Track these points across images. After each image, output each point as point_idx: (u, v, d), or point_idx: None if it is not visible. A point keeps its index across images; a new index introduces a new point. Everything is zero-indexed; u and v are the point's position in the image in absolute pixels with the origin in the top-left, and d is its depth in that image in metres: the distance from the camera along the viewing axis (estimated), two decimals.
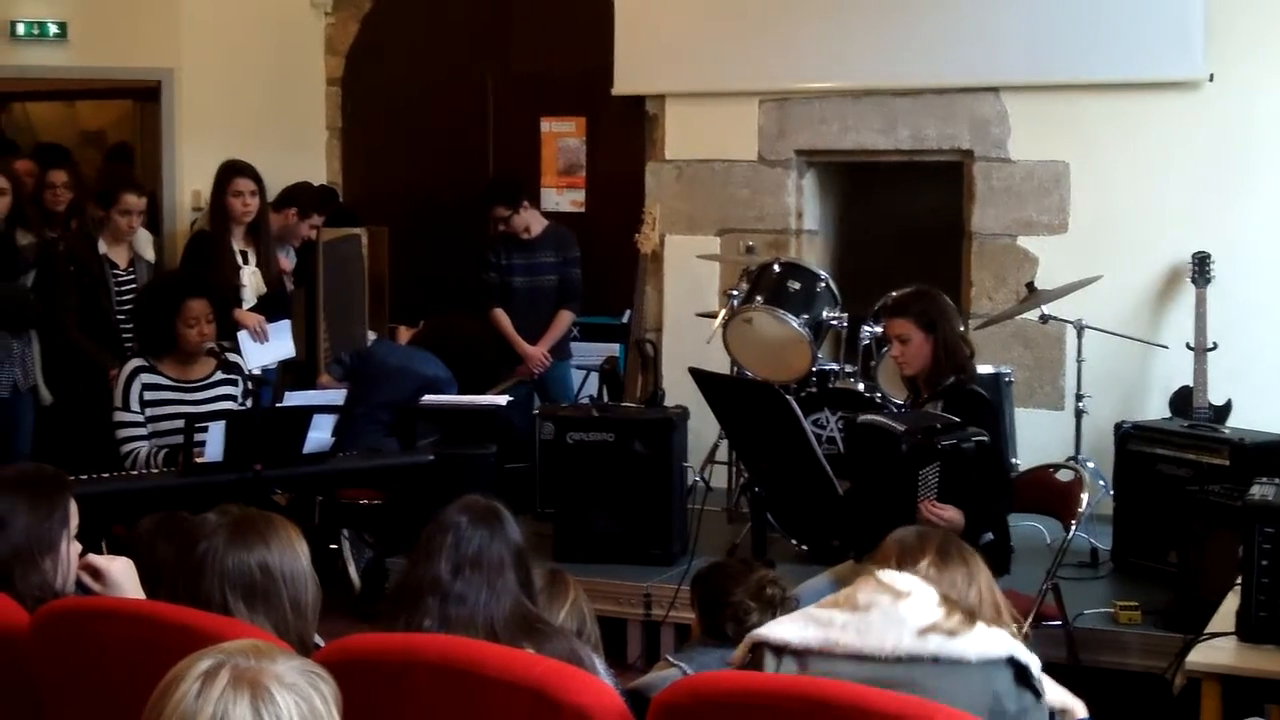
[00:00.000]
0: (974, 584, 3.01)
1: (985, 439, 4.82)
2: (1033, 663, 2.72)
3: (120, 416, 5.93)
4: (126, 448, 5.90)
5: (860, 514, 5.08)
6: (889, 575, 2.78)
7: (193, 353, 5.97)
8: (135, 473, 5.75)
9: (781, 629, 2.75)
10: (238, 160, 7.20)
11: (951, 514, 4.76)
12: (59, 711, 3.03)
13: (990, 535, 4.95)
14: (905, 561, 2.99)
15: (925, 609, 2.70)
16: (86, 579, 3.35)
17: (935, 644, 2.64)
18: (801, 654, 2.70)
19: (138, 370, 5.96)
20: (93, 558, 3.38)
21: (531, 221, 7.95)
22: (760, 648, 2.75)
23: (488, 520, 3.19)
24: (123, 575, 3.36)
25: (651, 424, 6.41)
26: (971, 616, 2.74)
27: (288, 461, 5.69)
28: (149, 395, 5.94)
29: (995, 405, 5.26)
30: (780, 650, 2.72)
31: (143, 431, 5.91)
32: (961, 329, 5.73)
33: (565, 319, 7.96)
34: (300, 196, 7.77)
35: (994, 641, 2.70)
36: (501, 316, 7.92)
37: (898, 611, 2.68)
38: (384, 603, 3.27)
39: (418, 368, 7.39)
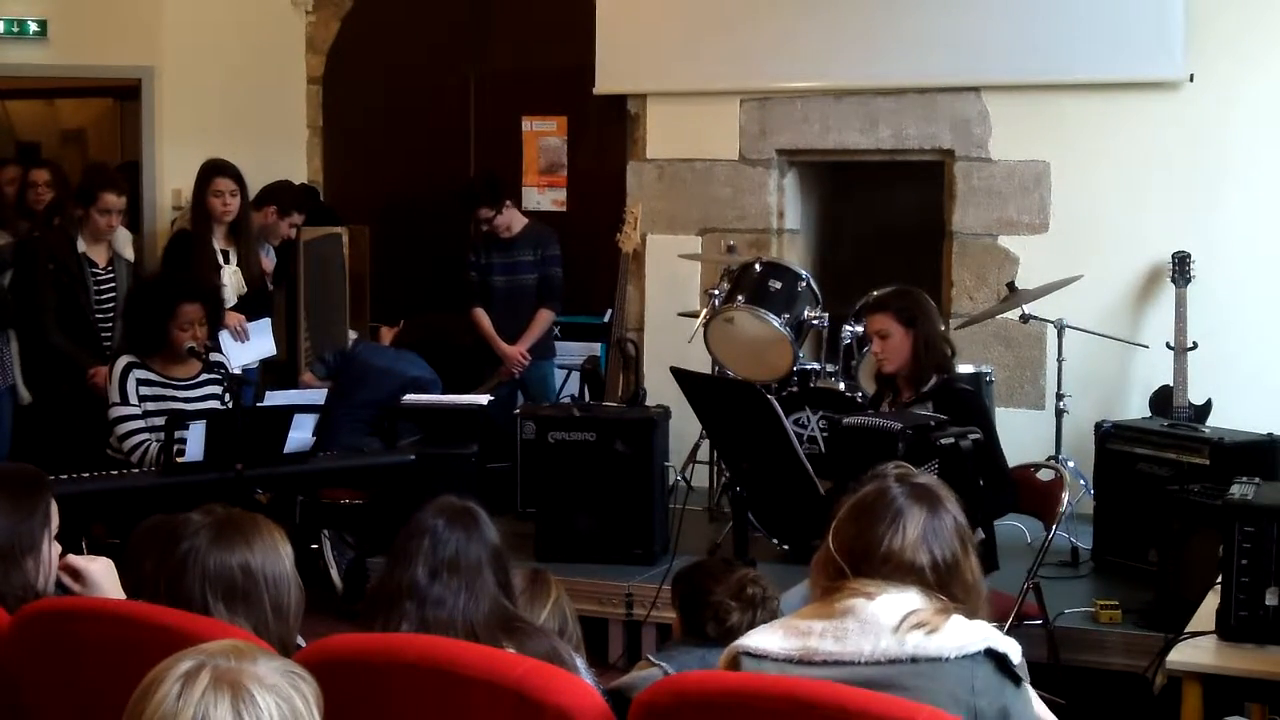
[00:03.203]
0: (959, 555, 2.86)
1: (980, 437, 4.84)
2: (1011, 650, 2.67)
3: (120, 411, 5.91)
4: (133, 441, 5.88)
5: None
6: (866, 584, 2.73)
7: (180, 354, 5.98)
8: (117, 472, 5.73)
9: (762, 639, 2.72)
10: (219, 159, 7.19)
11: None
12: (40, 712, 3.02)
13: (981, 534, 4.96)
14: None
15: (900, 602, 2.67)
16: (66, 579, 3.34)
17: (913, 643, 2.61)
18: (782, 662, 2.67)
19: (130, 366, 5.95)
20: (72, 558, 3.37)
21: (513, 220, 7.93)
22: (740, 657, 2.72)
23: (464, 522, 3.18)
24: (102, 576, 3.35)
25: (633, 423, 6.41)
26: (948, 606, 2.70)
27: (269, 461, 5.69)
28: (144, 390, 5.95)
29: (985, 402, 5.27)
30: (761, 658, 2.69)
31: (144, 424, 5.90)
32: (942, 328, 5.75)
33: (544, 318, 7.92)
34: (279, 195, 7.74)
35: (970, 633, 2.66)
36: (481, 316, 7.90)
37: (872, 614, 2.65)
38: (361, 606, 3.26)
39: (402, 369, 7.37)
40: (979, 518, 4.89)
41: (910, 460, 4.69)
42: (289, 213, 7.70)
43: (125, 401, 5.92)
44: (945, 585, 2.72)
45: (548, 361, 8.11)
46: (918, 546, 2.73)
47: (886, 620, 2.63)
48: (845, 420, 5.17)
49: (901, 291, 5.47)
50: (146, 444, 5.86)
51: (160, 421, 5.86)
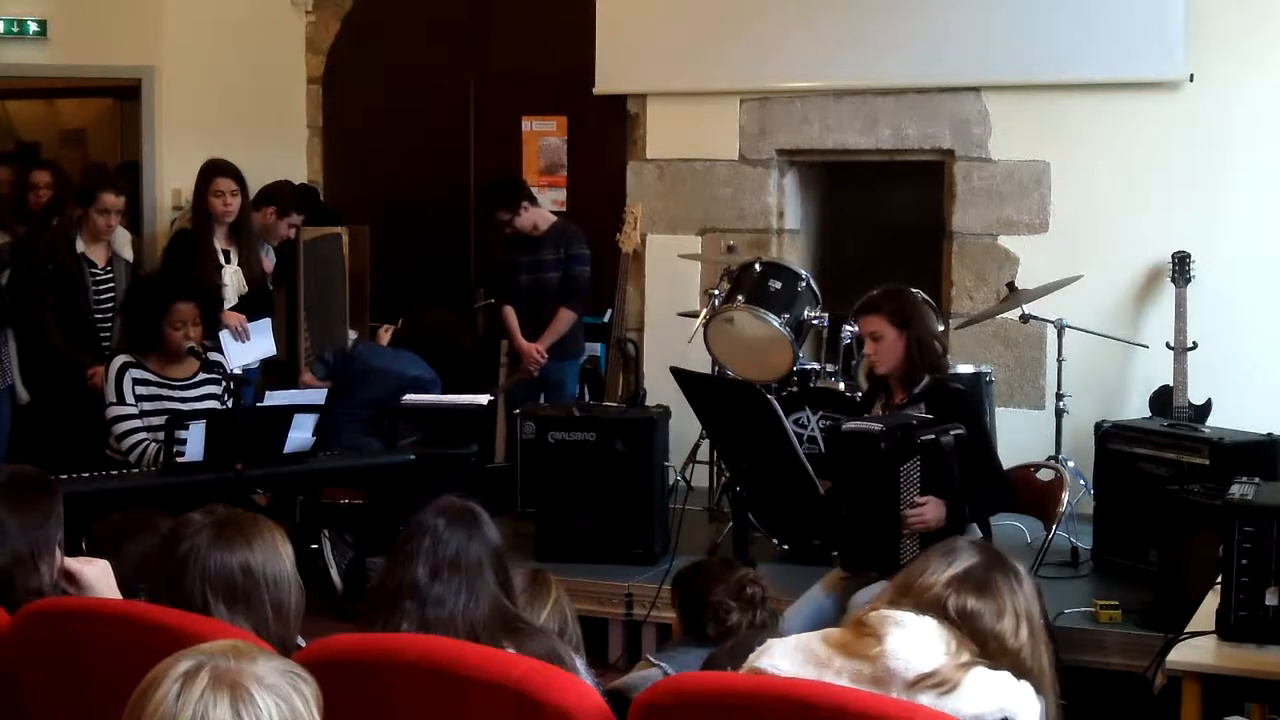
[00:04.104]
0: (1002, 619, 2.72)
1: (963, 432, 4.83)
2: (1031, 714, 2.57)
3: (117, 411, 5.91)
4: (130, 441, 5.88)
5: (849, 521, 5.07)
6: (889, 614, 2.65)
7: (175, 353, 5.98)
8: (117, 472, 5.73)
9: (781, 660, 2.67)
10: (219, 160, 7.19)
11: (931, 510, 4.78)
12: (40, 712, 3.01)
13: (979, 533, 4.98)
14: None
15: (920, 640, 2.59)
16: (61, 582, 3.34)
17: (926, 704, 2.50)
18: None
19: (126, 365, 5.95)
20: (68, 561, 3.36)
21: (538, 219, 7.83)
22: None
23: (465, 522, 3.18)
24: (98, 579, 3.34)
25: (633, 423, 6.40)
26: (973, 657, 2.60)
27: (269, 461, 5.68)
28: (140, 390, 5.94)
29: (978, 400, 5.25)
30: None
31: (142, 424, 5.90)
32: (940, 329, 5.75)
33: (564, 317, 7.78)
34: (279, 195, 7.73)
35: (989, 697, 2.56)
36: (508, 314, 7.86)
37: (889, 665, 2.57)
38: (362, 605, 3.26)
39: (402, 368, 7.36)
40: (967, 513, 4.90)
41: (893, 458, 4.75)
42: (288, 213, 7.69)
43: (121, 401, 5.91)
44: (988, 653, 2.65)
45: (567, 363, 7.97)
46: (952, 590, 2.68)
47: (904, 672, 2.56)
48: (844, 426, 5.16)
49: (894, 292, 5.42)
50: (145, 444, 5.86)
51: (157, 421, 5.86)
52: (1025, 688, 2.63)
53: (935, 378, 5.15)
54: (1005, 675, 2.61)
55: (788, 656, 2.68)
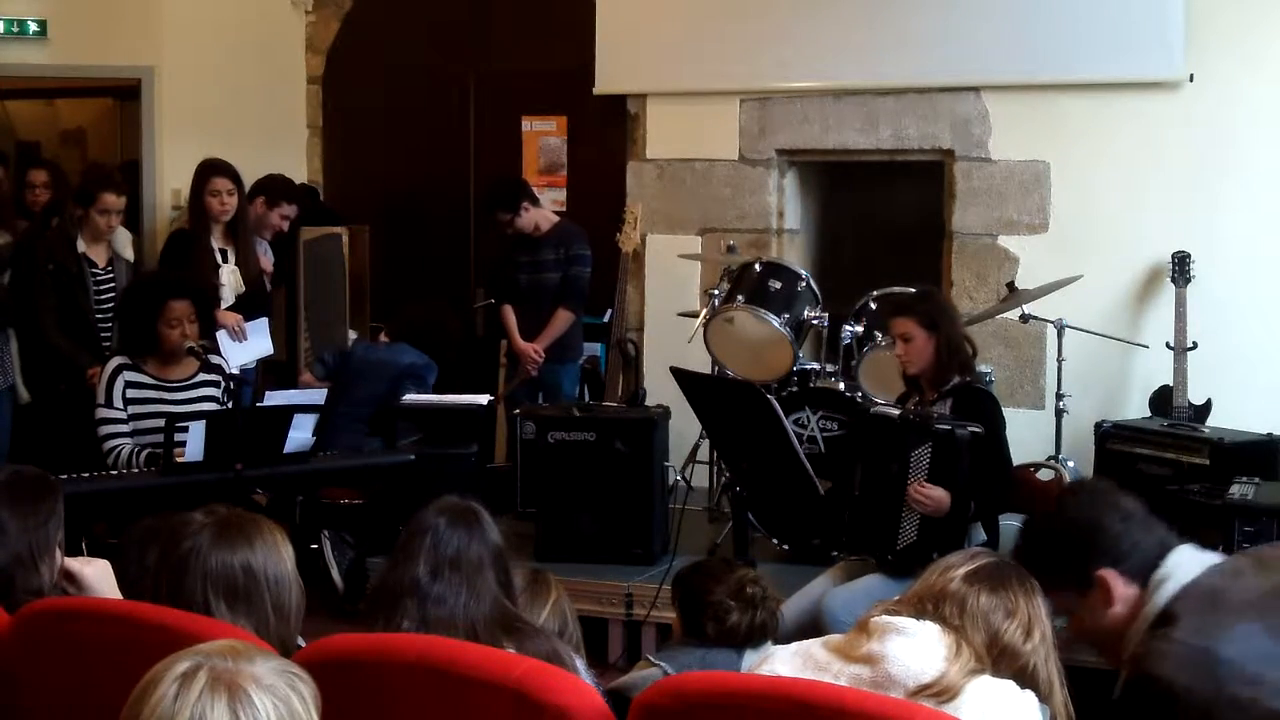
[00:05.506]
0: (1013, 619, 2.74)
1: (980, 431, 4.90)
2: None
3: (103, 413, 5.92)
4: (109, 444, 5.89)
5: (858, 503, 5.14)
6: (890, 620, 2.65)
7: (174, 353, 5.97)
8: (115, 472, 5.74)
9: (780, 666, 2.70)
10: (216, 159, 7.17)
11: (939, 494, 4.88)
12: (40, 712, 3.01)
13: (984, 536, 5.02)
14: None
15: (923, 658, 2.58)
16: (62, 582, 3.34)
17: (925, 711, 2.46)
18: None
19: (120, 368, 5.95)
20: (68, 562, 3.37)
21: (539, 220, 7.80)
22: None
23: (466, 521, 3.19)
24: (98, 579, 3.34)
25: (633, 423, 6.40)
26: (975, 664, 2.59)
27: (268, 461, 5.68)
28: (131, 393, 5.94)
29: (999, 406, 5.33)
30: None
31: (125, 428, 5.90)
32: (965, 328, 5.79)
33: (562, 318, 7.75)
34: (267, 186, 7.62)
35: (990, 705, 2.56)
36: (506, 313, 7.84)
37: (887, 671, 2.57)
38: (362, 605, 3.26)
39: (396, 358, 7.33)
40: (972, 509, 4.95)
41: (906, 444, 4.86)
42: (278, 203, 7.57)
43: (109, 404, 5.92)
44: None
45: (564, 365, 7.91)
46: (967, 585, 2.72)
47: (904, 679, 2.56)
48: (874, 409, 5.35)
49: (923, 294, 5.54)
50: (119, 448, 5.87)
51: (145, 424, 5.88)
52: (1028, 697, 2.63)
53: (964, 379, 5.24)
54: (1008, 684, 2.62)
55: (786, 663, 2.70)
